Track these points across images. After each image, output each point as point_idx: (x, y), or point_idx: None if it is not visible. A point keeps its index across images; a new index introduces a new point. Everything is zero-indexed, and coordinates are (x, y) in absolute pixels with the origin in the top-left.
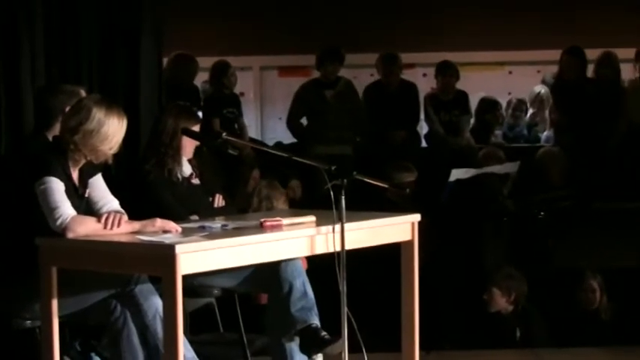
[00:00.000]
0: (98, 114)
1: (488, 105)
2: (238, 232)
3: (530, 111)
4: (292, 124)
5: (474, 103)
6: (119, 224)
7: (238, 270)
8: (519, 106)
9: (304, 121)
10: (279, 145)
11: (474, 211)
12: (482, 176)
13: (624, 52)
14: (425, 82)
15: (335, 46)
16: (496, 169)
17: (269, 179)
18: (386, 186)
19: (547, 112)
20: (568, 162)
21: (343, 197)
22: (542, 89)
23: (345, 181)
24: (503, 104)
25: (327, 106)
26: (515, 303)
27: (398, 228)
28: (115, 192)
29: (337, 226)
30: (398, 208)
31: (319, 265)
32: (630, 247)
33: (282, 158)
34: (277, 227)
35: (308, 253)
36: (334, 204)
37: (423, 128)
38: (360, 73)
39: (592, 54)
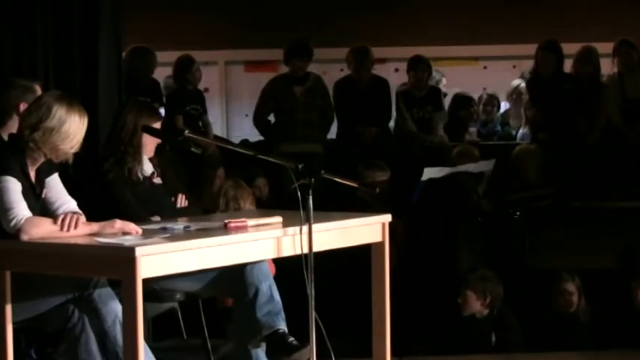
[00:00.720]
0: (59, 111)
1: (462, 101)
2: (201, 233)
3: (506, 106)
4: (259, 120)
5: (447, 100)
6: (76, 226)
7: (202, 273)
8: (490, 101)
9: (272, 118)
10: (245, 143)
11: (447, 211)
12: (456, 175)
13: (601, 47)
14: (397, 78)
15: (303, 40)
16: (470, 167)
17: (235, 179)
18: (355, 185)
19: (523, 109)
20: (545, 160)
21: (311, 197)
22: (521, 83)
23: (313, 180)
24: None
25: (296, 103)
26: (491, 306)
27: (368, 229)
28: (72, 192)
29: (305, 227)
30: (371, 208)
31: (286, 268)
32: (609, 247)
33: (248, 156)
34: (242, 228)
35: (274, 256)
36: (301, 204)
37: (395, 124)
38: (330, 68)
39: (569, 48)
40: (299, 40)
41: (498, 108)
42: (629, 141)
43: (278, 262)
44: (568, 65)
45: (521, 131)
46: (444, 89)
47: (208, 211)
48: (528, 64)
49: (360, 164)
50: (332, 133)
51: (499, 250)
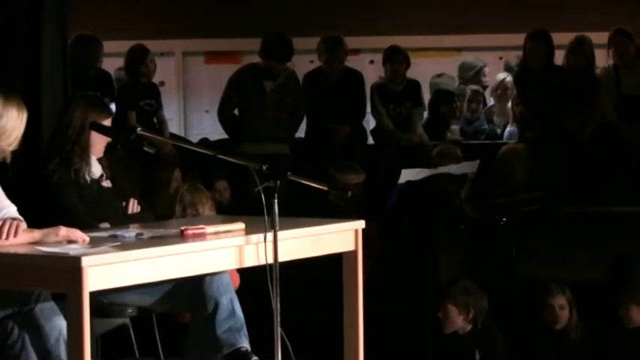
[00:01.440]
0: None
1: (444, 96)
2: (155, 242)
3: (491, 102)
4: (224, 114)
5: (427, 95)
6: (16, 233)
7: (156, 286)
8: (475, 97)
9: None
10: (204, 143)
11: (426, 216)
12: (437, 177)
13: (596, 37)
14: (372, 70)
15: (284, 39)
16: (452, 169)
17: (193, 181)
18: (325, 188)
19: (510, 104)
20: (534, 161)
21: (276, 201)
22: (507, 77)
23: (279, 182)
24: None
25: (265, 99)
26: (474, 321)
27: (339, 236)
28: (11, 196)
29: (269, 235)
30: (343, 213)
31: (250, 279)
32: (603, 256)
33: (208, 157)
34: (200, 236)
35: (236, 266)
36: (266, 209)
37: (370, 123)
38: (298, 59)
39: (560, 38)
40: (278, 40)
41: (484, 104)
42: (625, 140)
43: (241, 272)
44: (559, 57)
45: (508, 129)
46: (485, 81)
47: (163, 217)
48: (515, 56)
49: (331, 166)
50: (301, 131)
51: (483, 259)
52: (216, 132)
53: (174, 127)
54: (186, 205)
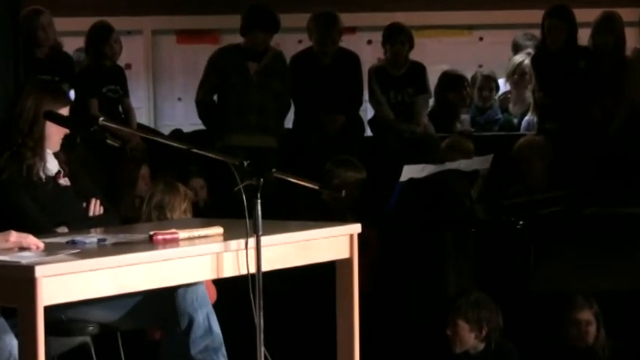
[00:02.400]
0: None
1: (452, 81)
2: (120, 248)
3: (506, 88)
4: (203, 100)
5: (433, 79)
6: None
7: (121, 299)
8: (487, 83)
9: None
10: (177, 135)
11: (432, 219)
12: (444, 174)
13: (625, 13)
14: (370, 52)
15: (267, 8)
16: (462, 164)
17: (168, 179)
18: (316, 187)
19: (528, 91)
20: (555, 155)
21: (259, 202)
22: (524, 59)
23: (263, 180)
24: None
25: (249, 84)
26: (487, 339)
27: (332, 242)
28: None
29: (252, 240)
30: (337, 216)
31: (229, 291)
32: (634, 264)
33: (181, 151)
34: (172, 242)
35: (213, 277)
36: (247, 211)
37: (368, 112)
38: (285, 38)
39: (584, 15)
40: (262, 8)
41: (497, 90)
42: None
43: (220, 283)
44: (584, 36)
45: (526, 119)
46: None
47: (129, 220)
48: (526, 34)
49: (329, 161)
50: (288, 121)
51: (497, 268)
52: (190, 122)
53: (142, 116)
54: (158, 207)
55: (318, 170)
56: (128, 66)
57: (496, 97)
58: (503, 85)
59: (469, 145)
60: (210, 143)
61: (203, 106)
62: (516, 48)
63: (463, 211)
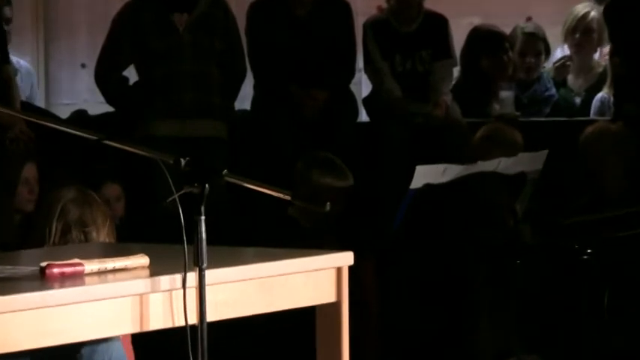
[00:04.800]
0: None
1: (487, 41)
2: None
3: (562, 52)
4: (107, 75)
5: (459, 39)
6: None
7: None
8: (531, 44)
9: (132, 74)
10: (80, 118)
11: (456, 246)
12: (475, 179)
13: None
14: None
15: None
16: (503, 165)
17: (79, 187)
18: (287, 198)
19: (598, 56)
20: (638, 151)
21: (203, 219)
22: (591, 9)
23: (208, 187)
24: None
25: (179, 45)
26: None
27: (311, 279)
28: None
29: (192, 276)
30: (318, 239)
31: (157, 352)
32: None
33: (87, 143)
34: (74, 278)
35: (134, 330)
36: (185, 232)
37: (363, 86)
38: None
39: None
40: None
41: (547, 54)
42: None
43: (143, 338)
44: None
45: (599, 97)
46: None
47: (7, 245)
48: None
49: (301, 159)
50: (243, 100)
51: (553, 318)
52: (99, 100)
53: (28, 91)
54: (78, 225)
55: (287, 172)
56: (8, 21)
57: (546, 65)
58: (558, 47)
59: (514, 135)
60: (127, 133)
61: (109, 84)
62: None
63: (503, 234)
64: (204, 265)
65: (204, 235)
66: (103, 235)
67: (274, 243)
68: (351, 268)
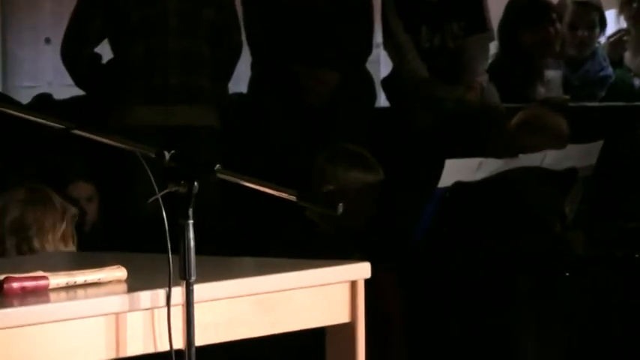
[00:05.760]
0: None
1: (530, 12)
2: None
3: (618, 25)
4: (76, 52)
5: (496, 10)
6: None
7: None
8: (583, 16)
9: (106, 51)
10: (44, 103)
11: (494, 255)
12: (516, 176)
13: None
14: None
15: None
16: (549, 158)
17: (32, 185)
18: (292, 199)
19: None
20: None
21: (191, 223)
22: None
23: (197, 185)
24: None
25: (161, 15)
26: None
27: (320, 296)
28: None
29: (177, 292)
30: (330, 246)
31: None
32: None
33: (53, 134)
34: (37, 293)
35: (109, 356)
36: (169, 239)
37: (382, 64)
38: None
39: None
40: None
41: (601, 28)
42: None
43: None
44: None
45: None
46: None
47: None
48: None
49: (321, 153)
50: (238, 82)
51: (611, 340)
52: (66, 83)
53: None
54: (16, 230)
55: (292, 167)
56: None
57: (601, 41)
58: (613, 20)
59: (557, 122)
60: (101, 122)
61: (78, 63)
62: None
63: (549, 241)
64: (193, 278)
65: (192, 243)
66: (51, 242)
67: (284, 253)
68: (368, 281)
